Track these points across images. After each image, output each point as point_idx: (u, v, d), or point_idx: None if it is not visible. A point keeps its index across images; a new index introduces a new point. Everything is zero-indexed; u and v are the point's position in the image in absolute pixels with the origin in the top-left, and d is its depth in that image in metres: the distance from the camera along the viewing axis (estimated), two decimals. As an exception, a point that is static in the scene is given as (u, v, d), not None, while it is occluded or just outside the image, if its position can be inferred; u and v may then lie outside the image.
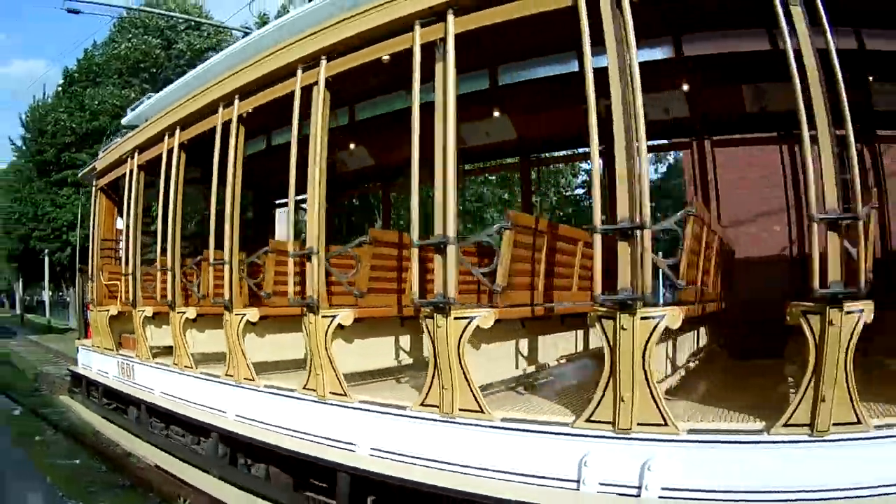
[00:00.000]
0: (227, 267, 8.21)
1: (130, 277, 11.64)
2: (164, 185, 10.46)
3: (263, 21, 24.24)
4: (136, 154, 11.90)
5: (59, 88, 43.18)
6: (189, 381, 9.75)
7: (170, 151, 10.40)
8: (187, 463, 9.42)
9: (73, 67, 42.82)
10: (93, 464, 10.80)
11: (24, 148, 46.86)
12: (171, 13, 36.54)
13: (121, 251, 13.65)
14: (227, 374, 8.16)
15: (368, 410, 6.39)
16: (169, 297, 10.12)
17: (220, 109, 8.61)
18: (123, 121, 14.38)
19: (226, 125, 8.47)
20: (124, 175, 12.34)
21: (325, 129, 7.01)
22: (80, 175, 19.35)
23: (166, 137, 10.53)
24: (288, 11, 15.33)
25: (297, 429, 7.13)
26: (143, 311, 11.14)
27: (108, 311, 12.92)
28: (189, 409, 9.61)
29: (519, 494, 5.14)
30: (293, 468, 7.35)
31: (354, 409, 6.43)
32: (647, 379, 4.93)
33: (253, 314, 7.98)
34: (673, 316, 4.96)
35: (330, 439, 6.68)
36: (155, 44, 39.21)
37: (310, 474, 7.14)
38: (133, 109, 13.50)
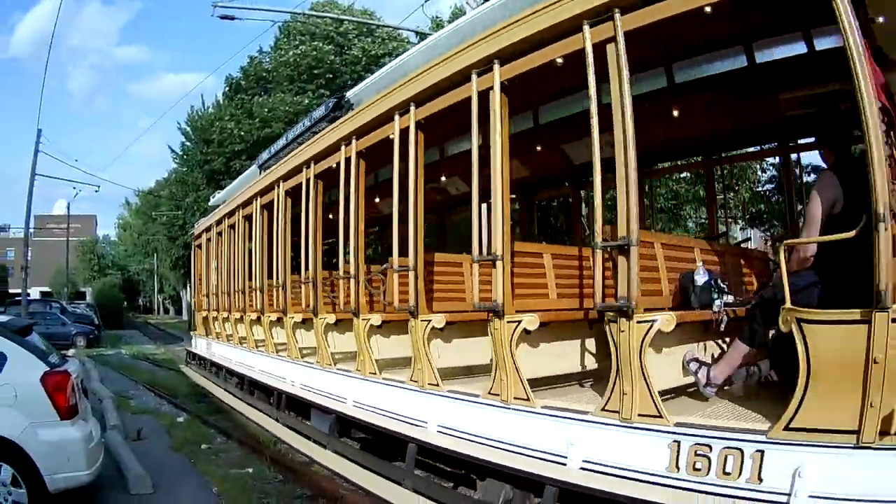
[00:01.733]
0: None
1: (204, 297, 21.29)
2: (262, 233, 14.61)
3: (438, 24, 23.36)
4: (210, 229, 20.18)
5: (224, 97, 43.56)
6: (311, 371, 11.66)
7: (248, 216, 15.65)
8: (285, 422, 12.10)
9: (237, 75, 43.07)
10: (267, 473, 10.29)
11: (185, 157, 47.59)
12: (341, 17, 36.09)
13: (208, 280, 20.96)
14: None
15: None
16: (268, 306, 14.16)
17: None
18: (210, 202, 24.82)
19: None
20: (206, 236, 21.04)
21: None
22: (188, 235, 30.58)
23: (255, 201, 14.99)
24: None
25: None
26: (206, 314, 20.46)
27: (202, 314, 21.69)
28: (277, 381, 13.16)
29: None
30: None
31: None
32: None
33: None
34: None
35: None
36: (327, 50, 38.91)
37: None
38: (213, 196, 24.21)
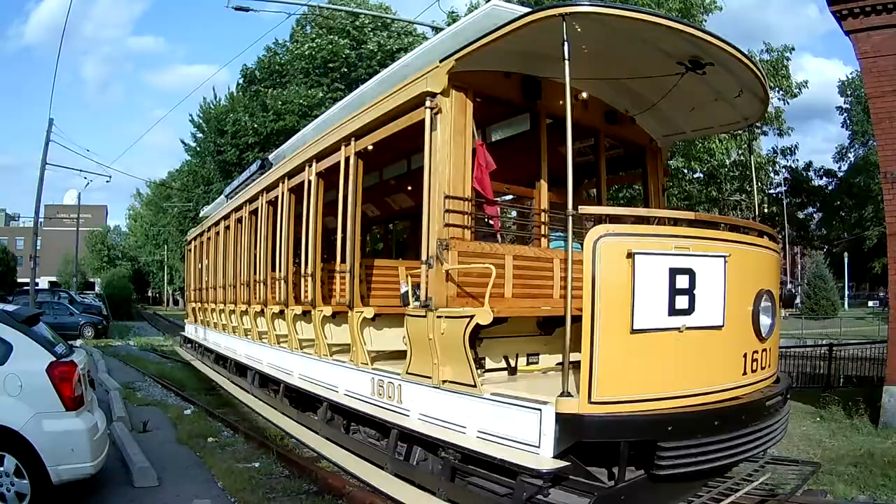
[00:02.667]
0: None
1: (193, 291, 26.12)
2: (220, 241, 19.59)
3: (453, 19, 23.31)
4: (196, 237, 25.18)
5: (238, 89, 43.43)
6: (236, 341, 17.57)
7: (220, 227, 19.50)
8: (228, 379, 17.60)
9: (252, 66, 42.90)
10: (274, 468, 10.26)
11: (198, 148, 47.49)
12: (358, 10, 35.95)
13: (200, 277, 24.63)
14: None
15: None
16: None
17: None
18: (200, 215, 29.34)
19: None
20: (194, 243, 25.95)
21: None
22: (182, 241, 38.48)
23: (221, 223, 19.49)
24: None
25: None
26: (194, 304, 25.02)
27: (191, 304, 26.42)
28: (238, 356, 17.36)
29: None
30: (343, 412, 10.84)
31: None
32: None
33: (369, 312, 10.32)
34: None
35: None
36: (343, 44, 38.76)
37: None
38: (202, 208, 30.32)
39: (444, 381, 7.81)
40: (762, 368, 7.37)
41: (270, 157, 15.93)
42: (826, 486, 9.38)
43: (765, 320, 7.20)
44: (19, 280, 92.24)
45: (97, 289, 77.11)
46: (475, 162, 8.21)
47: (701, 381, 6.68)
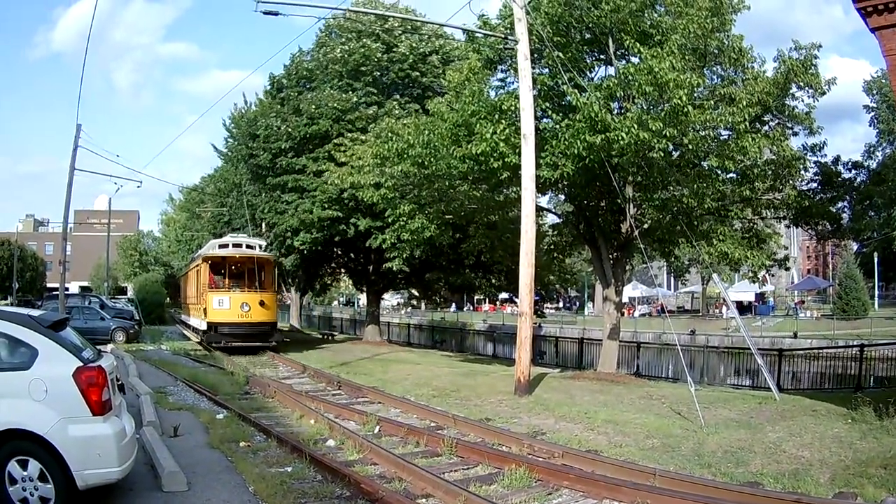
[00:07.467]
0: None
1: (183, 298, 56.01)
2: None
3: (484, 22, 23.13)
4: (184, 273, 55.91)
5: (267, 95, 43.25)
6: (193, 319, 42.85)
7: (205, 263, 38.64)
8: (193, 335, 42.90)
9: (280, 73, 42.70)
10: (306, 472, 10.20)
11: (230, 153, 47.40)
12: (387, 13, 35.62)
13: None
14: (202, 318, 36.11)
15: (203, 319, 35.81)
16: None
17: (201, 262, 37.88)
18: (189, 259, 56.57)
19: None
20: (185, 274, 54.42)
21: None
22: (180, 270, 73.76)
23: (188, 270, 47.72)
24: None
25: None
26: (185, 304, 53.09)
27: (183, 304, 53.92)
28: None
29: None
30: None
31: (204, 321, 34.92)
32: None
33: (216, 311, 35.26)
34: None
35: (199, 325, 37.50)
36: (375, 48, 38.42)
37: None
38: (195, 251, 53.64)
39: (204, 319, 33.78)
40: (248, 317, 32.86)
41: (195, 255, 40.37)
42: (856, 489, 9.53)
43: (243, 308, 32.84)
44: (48, 285, 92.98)
45: (129, 293, 77.45)
46: (211, 278, 35.59)
47: (227, 318, 32.81)
